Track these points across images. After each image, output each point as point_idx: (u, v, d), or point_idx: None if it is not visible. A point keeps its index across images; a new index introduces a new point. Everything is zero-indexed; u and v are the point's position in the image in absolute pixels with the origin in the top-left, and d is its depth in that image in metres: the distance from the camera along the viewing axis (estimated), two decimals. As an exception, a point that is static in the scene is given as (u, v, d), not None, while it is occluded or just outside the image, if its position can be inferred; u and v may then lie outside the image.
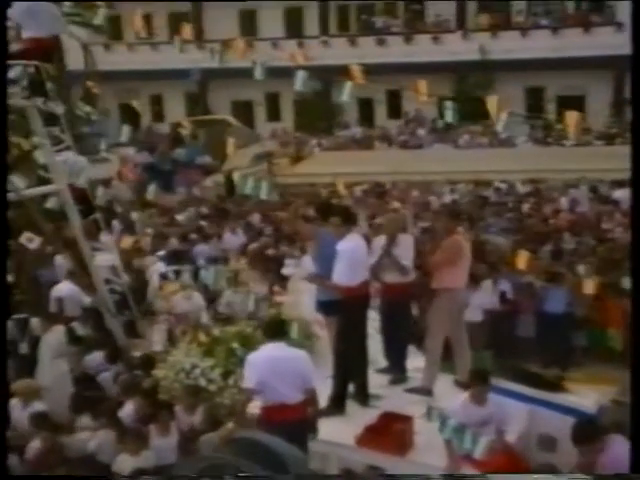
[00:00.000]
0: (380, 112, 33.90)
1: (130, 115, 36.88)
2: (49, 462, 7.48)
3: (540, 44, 30.34)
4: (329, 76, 32.85)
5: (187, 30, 8.91)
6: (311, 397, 6.23)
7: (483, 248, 14.99)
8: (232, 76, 32.72)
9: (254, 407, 6.18)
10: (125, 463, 7.45)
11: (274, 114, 35.58)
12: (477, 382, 6.39)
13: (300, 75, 7.25)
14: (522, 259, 6.66)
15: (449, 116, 7.01)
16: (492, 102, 7.06)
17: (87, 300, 9.68)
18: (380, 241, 7.56)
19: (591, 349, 11.13)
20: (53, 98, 8.70)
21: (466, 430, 5.84)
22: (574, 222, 16.89)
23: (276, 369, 5.98)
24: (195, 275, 10.35)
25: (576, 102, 31.35)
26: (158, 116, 36.15)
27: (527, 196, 20.12)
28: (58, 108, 8.79)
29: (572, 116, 6.29)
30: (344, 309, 6.86)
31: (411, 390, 7.18)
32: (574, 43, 29.85)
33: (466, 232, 7.20)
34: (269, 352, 6.11)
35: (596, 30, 30.44)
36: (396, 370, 7.40)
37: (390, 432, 6.44)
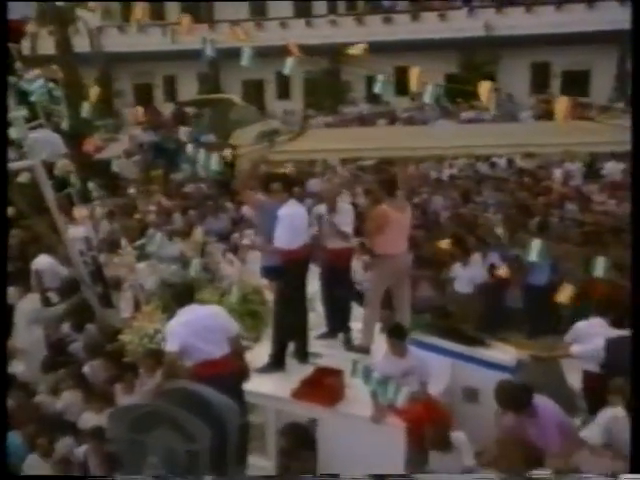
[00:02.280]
0: (388, 89, 33.85)
1: (144, 96, 37.45)
2: (20, 419, 7.89)
3: (544, 20, 30.08)
4: (339, 54, 33.19)
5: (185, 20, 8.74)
6: (236, 346, 6.40)
7: (474, 222, 15.24)
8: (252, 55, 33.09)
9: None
10: (89, 421, 7.84)
11: (284, 93, 35.70)
12: (394, 336, 6.58)
13: (246, 51, 7.35)
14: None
15: (427, 97, 7.04)
16: (485, 86, 7.06)
17: (65, 272, 10.01)
18: (320, 209, 7.70)
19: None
20: (25, 77, 8.95)
21: (389, 382, 6.04)
22: (565, 195, 16.99)
23: (195, 330, 6.11)
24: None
25: (581, 77, 31.21)
26: (171, 96, 36.43)
27: (524, 171, 20.21)
28: (32, 87, 9.00)
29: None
30: (284, 272, 7.03)
31: (350, 348, 7.33)
32: (578, 18, 29.59)
33: (403, 201, 7.31)
34: (184, 316, 6.25)
35: (599, 5, 30.06)
36: (339, 331, 7.61)
37: (322, 385, 6.60)
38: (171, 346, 6.10)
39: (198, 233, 11.74)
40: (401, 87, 31.30)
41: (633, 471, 4.78)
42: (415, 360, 6.58)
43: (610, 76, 30.14)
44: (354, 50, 7.46)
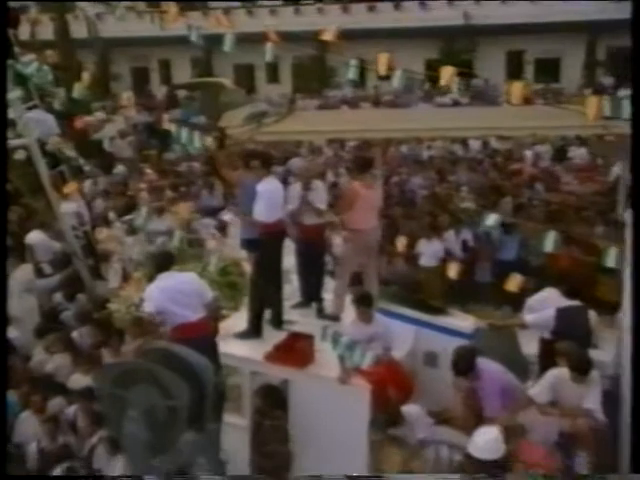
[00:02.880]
0: (372, 74, 33.78)
1: (141, 79, 37.23)
2: (15, 380, 7.98)
3: (519, 10, 30.03)
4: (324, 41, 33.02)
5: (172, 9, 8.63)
6: (211, 309, 6.52)
7: (449, 200, 15.33)
8: (236, 41, 32.90)
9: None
10: (78, 382, 7.93)
11: (273, 77, 35.57)
12: (362, 304, 6.71)
13: (229, 38, 7.33)
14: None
15: (396, 82, 7.06)
16: (447, 70, 7.07)
17: (57, 246, 10.03)
18: (296, 187, 7.73)
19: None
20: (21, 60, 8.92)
21: (356, 346, 6.16)
22: (535, 176, 17.09)
23: (171, 295, 6.23)
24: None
25: (552, 64, 31.25)
26: (167, 79, 36.23)
27: (497, 152, 20.28)
28: (28, 69, 8.99)
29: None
30: (262, 243, 7.08)
31: (322, 316, 7.41)
32: (550, 9, 29.56)
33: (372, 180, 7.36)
34: (162, 282, 6.36)
35: (570, -4, 30.20)
36: (312, 301, 7.66)
37: (294, 349, 6.68)
38: (147, 307, 6.25)
39: (184, 209, 11.77)
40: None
41: (633, 471, 4.73)
42: (380, 327, 6.70)
43: (579, 64, 30.21)
44: (326, 36, 7.44)
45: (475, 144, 20.84)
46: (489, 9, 30.54)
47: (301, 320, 7.41)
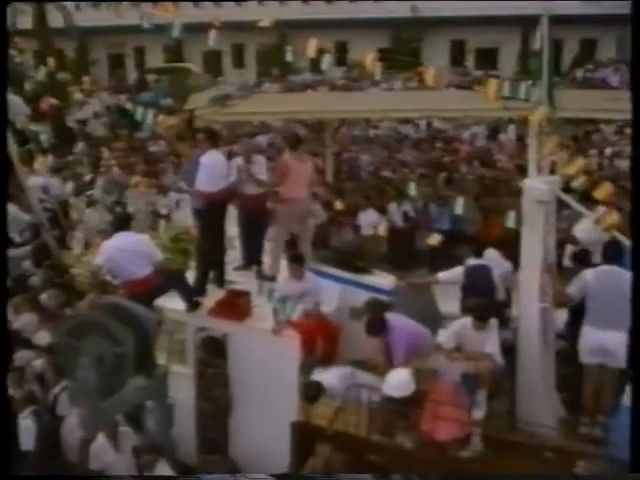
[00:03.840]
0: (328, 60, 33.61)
1: (117, 63, 36.56)
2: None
3: (462, 4, 29.98)
4: (286, 29, 32.69)
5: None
6: (158, 268, 6.68)
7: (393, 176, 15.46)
8: (203, 30, 32.40)
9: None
10: (43, 338, 7.93)
11: (239, 62, 35.18)
12: (293, 262, 6.84)
13: (175, 24, 7.31)
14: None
15: (324, 65, 7.10)
16: (370, 57, 7.09)
17: (27, 218, 9.96)
18: (238, 160, 7.71)
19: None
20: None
21: (287, 300, 6.28)
22: (470, 153, 17.27)
23: (122, 252, 6.43)
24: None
25: (491, 54, 31.41)
26: (141, 65, 35.59)
27: (440, 132, 20.43)
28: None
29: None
30: (205, 211, 7.13)
31: (260, 277, 7.44)
32: (490, 3, 29.68)
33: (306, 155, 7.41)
34: (116, 240, 6.59)
35: (507, -8, 30.31)
36: (253, 263, 7.69)
37: (233, 305, 6.78)
38: (97, 260, 6.42)
39: (142, 184, 11.70)
40: (340, 59, 30.95)
41: (633, 471, 4.67)
42: (310, 284, 6.81)
43: (515, 53, 30.43)
44: (263, 23, 7.43)
45: (422, 124, 20.96)
46: (434, 2, 30.47)
47: (242, 280, 7.47)
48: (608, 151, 16.97)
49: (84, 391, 5.70)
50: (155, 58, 35.07)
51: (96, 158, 16.87)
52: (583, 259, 6.84)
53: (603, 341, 5.97)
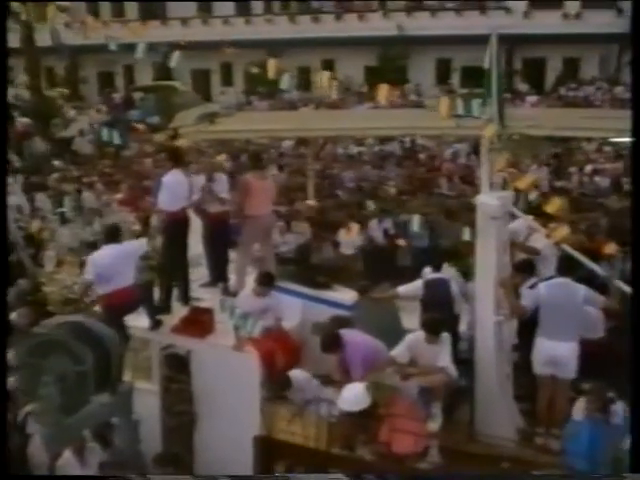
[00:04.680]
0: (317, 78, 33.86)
1: (107, 82, 36.76)
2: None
3: (447, 23, 30.48)
4: (274, 48, 32.96)
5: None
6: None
7: (375, 193, 15.60)
8: (192, 48, 32.58)
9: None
10: (12, 357, 7.93)
11: (227, 80, 35.40)
12: (262, 282, 6.87)
13: (140, 46, 7.40)
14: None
15: (283, 85, 7.20)
16: (324, 75, 7.23)
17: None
18: (200, 180, 7.78)
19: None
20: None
21: (248, 317, 6.36)
22: (452, 170, 17.44)
23: (111, 263, 6.56)
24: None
25: (476, 72, 31.62)
26: (130, 82, 35.78)
27: (424, 149, 20.61)
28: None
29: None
30: (166, 229, 7.22)
31: (226, 293, 7.48)
32: (473, 23, 30.02)
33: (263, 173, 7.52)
34: (105, 251, 6.72)
35: (490, 12, 30.66)
36: (219, 280, 7.78)
37: (196, 322, 6.86)
38: (88, 274, 6.62)
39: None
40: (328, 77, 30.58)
41: (633, 471, 4.70)
42: (272, 300, 6.86)
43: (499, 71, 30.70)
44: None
45: (406, 142, 21.12)
46: (420, 22, 30.83)
47: (209, 297, 7.53)
48: (588, 168, 17.17)
49: (47, 409, 5.76)
50: (145, 76, 35.25)
51: (79, 176, 17.07)
52: (526, 269, 6.94)
53: (554, 352, 6.08)
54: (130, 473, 6.73)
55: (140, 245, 7.00)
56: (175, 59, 7.08)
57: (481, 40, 27.94)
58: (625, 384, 6.33)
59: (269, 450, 6.50)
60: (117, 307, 6.60)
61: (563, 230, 5.97)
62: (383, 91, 6.31)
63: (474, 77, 32.75)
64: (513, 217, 6.41)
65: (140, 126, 21.24)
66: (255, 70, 7.88)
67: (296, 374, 6.53)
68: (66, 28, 34.78)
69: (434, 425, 5.95)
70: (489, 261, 6.08)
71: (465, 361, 6.45)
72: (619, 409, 5.27)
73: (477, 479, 5.89)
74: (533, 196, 6.12)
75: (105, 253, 6.70)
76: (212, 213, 7.65)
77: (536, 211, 6.78)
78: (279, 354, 6.52)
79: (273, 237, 7.85)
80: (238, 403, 6.59)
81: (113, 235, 6.87)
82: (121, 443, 7.16)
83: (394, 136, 20.16)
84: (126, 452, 7.08)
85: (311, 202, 10.87)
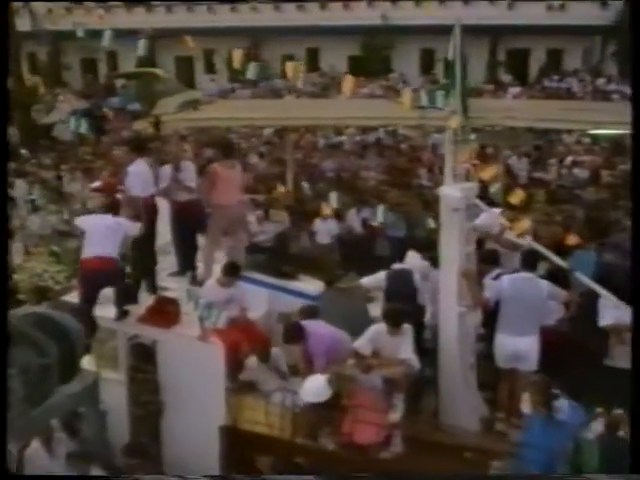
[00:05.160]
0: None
1: (90, 68, 36.38)
2: None
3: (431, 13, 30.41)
4: (258, 36, 32.76)
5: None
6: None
7: (354, 182, 15.61)
8: (175, 35, 32.34)
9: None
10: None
11: (210, 67, 35.14)
12: (227, 273, 6.83)
13: (107, 34, 7.34)
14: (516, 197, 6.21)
15: (250, 74, 7.17)
16: (290, 66, 7.18)
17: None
18: (167, 169, 7.70)
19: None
20: None
21: (213, 307, 6.37)
22: (433, 161, 17.42)
23: (96, 230, 6.70)
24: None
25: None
26: (114, 69, 35.45)
27: (405, 139, 20.58)
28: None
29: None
30: (136, 218, 7.05)
31: (193, 283, 7.46)
32: (457, 13, 29.96)
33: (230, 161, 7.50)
34: (93, 218, 6.96)
35: (475, 3, 30.59)
36: (187, 269, 7.76)
37: (162, 312, 6.84)
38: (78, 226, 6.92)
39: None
40: (313, 65, 30.98)
41: (633, 471, 4.71)
42: (237, 290, 6.84)
43: (483, 62, 30.78)
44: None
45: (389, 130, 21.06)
46: (404, 11, 30.75)
47: (177, 286, 7.52)
48: (568, 160, 17.25)
49: (14, 401, 5.75)
50: (128, 63, 34.93)
51: (58, 163, 16.96)
52: (491, 259, 6.97)
53: (515, 347, 6.14)
54: (98, 463, 6.77)
55: (134, 227, 6.98)
56: (142, 47, 7.01)
57: (465, 31, 27.94)
58: (586, 375, 6.48)
59: (235, 439, 6.53)
60: (96, 274, 6.69)
61: (525, 222, 6.00)
62: (348, 83, 6.29)
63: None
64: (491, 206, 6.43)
65: (110, 113, 21.09)
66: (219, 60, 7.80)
67: (276, 351, 6.55)
68: (48, 13, 34.60)
69: (395, 416, 5.99)
70: (452, 252, 6.11)
71: (430, 351, 6.49)
72: (564, 405, 5.26)
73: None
74: (494, 188, 6.12)
75: (94, 219, 6.88)
76: (180, 201, 7.63)
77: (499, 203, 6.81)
78: (245, 345, 6.52)
79: (249, 226, 7.83)
80: (204, 393, 6.60)
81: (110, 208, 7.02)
82: (89, 433, 7.18)
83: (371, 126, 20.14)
84: (94, 442, 7.10)
85: (283, 189, 10.82)
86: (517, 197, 6.03)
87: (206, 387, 6.57)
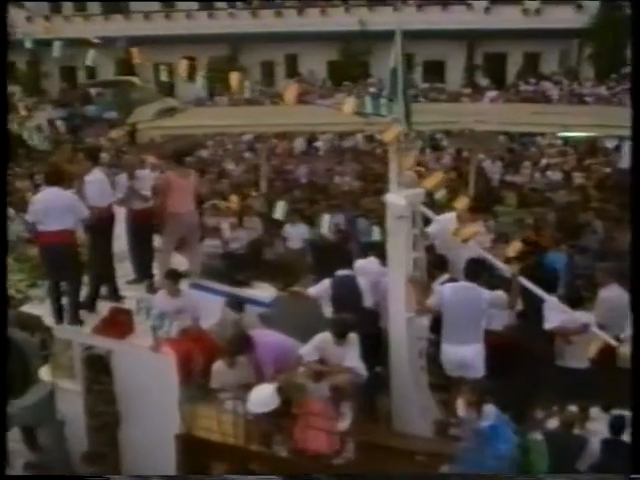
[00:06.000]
0: (279, 72, 33.80)
1: (69, 76, 36.34)
2: None
3: (408, 18, 30.56)
4: (237, 42, 32.80)
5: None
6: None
7: (327, 188, 15.69)
8: (154, 42, 32.29)
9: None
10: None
11: (190, 75, 35.17)
12: (168, 280, 6.89)
13: (56, 44, 7.40)
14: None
15: (199, 84, 7.25)
16: (234, 76, 7.27)
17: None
18: (123, 177, 7.80)
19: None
20: None
21: (165, 317, 6.41)
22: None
23: (48, 206, 6.75)
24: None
25: (438, 67, 31.95)
26: (92, 77, 35.42)
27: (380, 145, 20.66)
28: None
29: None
30: (93, 226, 7.21)
31: (151, 291, 7.48)
32: (435, 18, 30.28)
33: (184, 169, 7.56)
34: (43, 194, 6.99)
35: (451, 7, 30.84)
36: (144, 277, 7.81)
37: (116, 322, 6.89)
38: (29, 217, 6.94)
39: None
40: (292, 71, 31.09)
41: (633, 471, 4.69)
42: (188, 300, 6.89)
43: (460, 66, 31.04)
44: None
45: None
46: (381, 16, 30.88)
47: (134, 295, 7.56)
48: (543, 163, 17.42)
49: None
50: (107, 71, 34.94)
51: (32, 173, 16.95)
52: (440, 265, 7.05)
53: (459, 355, 6.22)
54: (57, 472, 6.81)
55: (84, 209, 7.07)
56: (91, 58, 7.07)
57: (443, 35, 28.51)
58: (537, 376, 6.58)
59: (190, 447, 6.58)
60: (54, 247, 6.78)
61: (471, 228, 6.10)
62: (291, 91, 6.39)
63: (436, 72, 33.16)
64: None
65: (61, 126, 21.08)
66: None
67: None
68: (27, 22, 34.54)
69: (344, 424, 6.05)
70: (399, 259, 6.18)
71: (382, 355, 6.56)
72: (490, 412, 5.33)
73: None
74: (439, 195, 6.20)
75: (52, 194, 6.87)
76: (136, 210, 7.68)
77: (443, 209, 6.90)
78: (197, 354, 6.56)
79: (197, 234, 7.90)
80: (158, 403, 6.65)
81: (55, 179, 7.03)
82: (47, 443, 7.22)
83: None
84: (52, 452, 7.15)
85: (235, 199, 10.90)
86: (462, 202, 6.12)
87: (160, 396, 6.62)
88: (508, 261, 6.18)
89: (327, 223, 12.21)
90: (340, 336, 6.10)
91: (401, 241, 6.14)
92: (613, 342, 5.93)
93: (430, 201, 6.60)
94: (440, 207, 6.80)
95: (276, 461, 6.28)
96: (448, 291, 6.30)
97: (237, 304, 7.08)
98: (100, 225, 7.22)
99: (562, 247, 9.46)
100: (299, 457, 6.19)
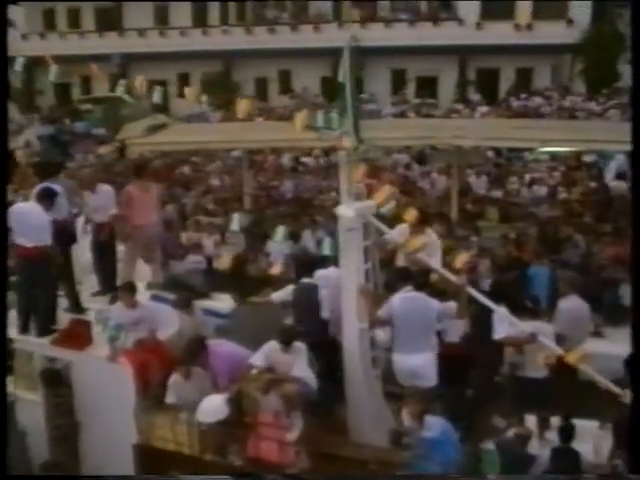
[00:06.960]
0: (273, 89, 34.19)
1: (63, 92, 36.74)
2: None
3: (400, 34, 31.01)
4: (230, 59, 33.20)
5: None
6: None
7: (311, 204, 15.84)
8: (149, 59, 32.73)
9: None
10: None
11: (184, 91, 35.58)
12: (124, 292, 7.03)
13: (53, 69, 7.54)
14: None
15: (156, 98, 7.40)
16: (190, 92, 7.46)
17: None
18: (85, 192, 7.92)
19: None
20: None
21: (122, 329, 6.54)
22: (392, 180, 17.70)
23: (23, 220, 6.87)
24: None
25: (430, 82, 32.30)
26: (87, 93, 35.83)
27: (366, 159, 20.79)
28: None
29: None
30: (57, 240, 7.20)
31: (113, 302, 7.41)
32: (426, 34, 30.65)
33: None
34: (21, 208, 7.11)
35: (443, 24, 31.25)
36: (108, 290, 7.94)
37: (74, 334, 7.01)
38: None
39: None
40: (285, 87, 31.50)
41: (633, 471, 4.69)
42: (145, 311, 7.03)
43: (452, 81, 31.34)
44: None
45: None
46: (374, 33, 31.31)
47: (97, 307, 7.68)
48: (527, 177, 17.59)
49: None
50: (101, 87, 35.37)
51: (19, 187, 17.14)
52: (402, 276, 7.15)
53: (410, 364, 6.31)
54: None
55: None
56: (54, 74, 7.25)
57: (434, 51, 28.90)
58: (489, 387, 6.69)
59: (148, 457, 6.69)
60: (31, 260, 6.90)
61: (418, 240, 6.24)
62: (242, 105, 6.56)
63: (428, 87, 33.49)
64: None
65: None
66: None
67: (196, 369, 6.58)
68: (22, 39, 35.03)
69: (293, 435, 6.15)
70: (350, 270, 6.31)
71: (337, 366, 6.66)
72: (432, 422, 5.43)
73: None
74: (386, 209, 6.34)
75: (29, 209, 7.03)
76: (98, 223, 7.84)
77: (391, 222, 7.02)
78: (153, 365, 6.69)
79: (159, 246, 8.06)
80: (116, 413, 6.76)
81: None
82: (9, 453, 7.31)
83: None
84: (14, 463, 7.23)
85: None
86: (411, 215, 6.25)
87: (118, 407, 6.72)
88: (457, 272, 6.29)
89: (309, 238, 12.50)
90: (285, 344, 6.23)
91: (352, 253, 6.26)
92: (560, 351, 6.03)
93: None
94: (390, 220, 6.92)
95: (231, 470, 6.38)
96: (397, 301, 6.42)
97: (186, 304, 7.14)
98: (61, 237, 7.36)
99: (544, 261, 9.58)
100: (254, 466, 6.30)
